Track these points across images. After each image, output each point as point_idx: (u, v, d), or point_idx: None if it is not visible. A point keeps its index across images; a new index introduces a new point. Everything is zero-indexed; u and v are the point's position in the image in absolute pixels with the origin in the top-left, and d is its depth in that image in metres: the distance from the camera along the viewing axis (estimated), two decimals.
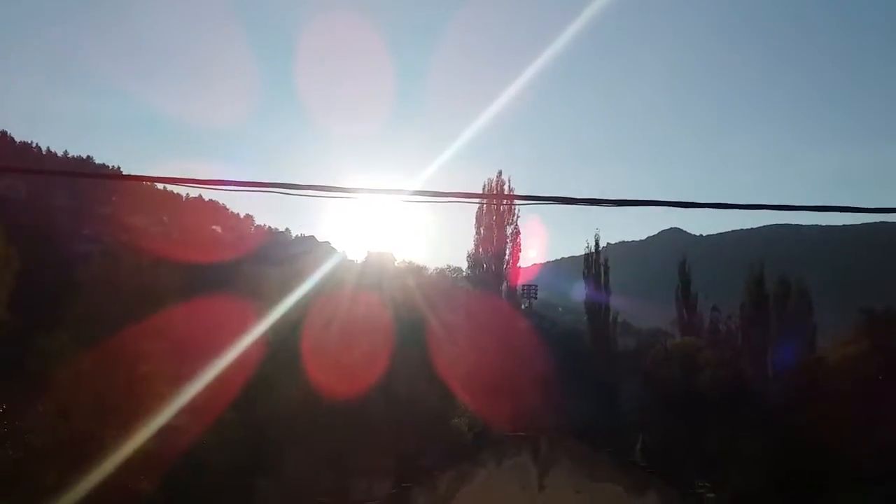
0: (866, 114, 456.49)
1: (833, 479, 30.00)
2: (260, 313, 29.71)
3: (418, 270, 63.74)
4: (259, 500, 22.17)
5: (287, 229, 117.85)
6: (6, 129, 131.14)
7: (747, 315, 63.72)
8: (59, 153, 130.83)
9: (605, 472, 17.69)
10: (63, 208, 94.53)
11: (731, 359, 53.11)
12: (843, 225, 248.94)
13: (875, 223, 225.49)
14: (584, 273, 60.53)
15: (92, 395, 22.07)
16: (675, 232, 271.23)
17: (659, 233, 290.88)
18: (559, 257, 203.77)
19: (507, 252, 56.85)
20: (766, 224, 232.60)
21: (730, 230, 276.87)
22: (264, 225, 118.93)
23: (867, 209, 7.66)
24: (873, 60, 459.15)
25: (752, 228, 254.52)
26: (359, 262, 57.98)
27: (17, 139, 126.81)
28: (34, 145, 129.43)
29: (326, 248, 70.38)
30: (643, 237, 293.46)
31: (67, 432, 21.15)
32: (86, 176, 75.07)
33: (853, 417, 37.07)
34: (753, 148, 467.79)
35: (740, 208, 7.89)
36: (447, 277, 69.21)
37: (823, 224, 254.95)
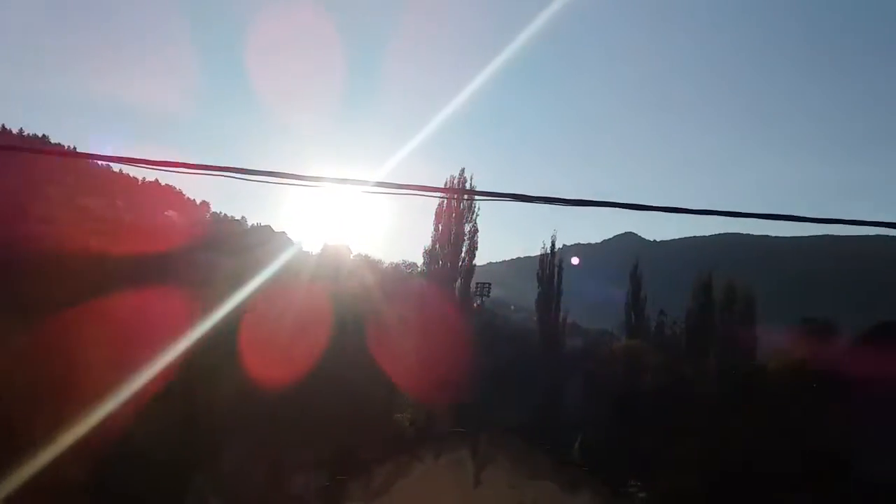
0: (822, 126, 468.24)
1: (763, 482, 31.01)
2: (209, 303, 29.49)
3: (374, 264, 63.88)
4: (194, 492, 22.12)
5: (243, 217, 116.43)
6: None
7: (693, 320, 65.16)
8: (14, 130, 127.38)
9: (541, 469, 18.10)
10: (13, 187, 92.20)
11: (674, 362, 54.23)
12: (794, 237, 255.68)
13: (824, 235, 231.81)
14: (538, 273, 61.23)
15: (26, 379, 21.78)
16: (631, 236, 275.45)
17: (614, 236, 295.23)
18: (516, 256, 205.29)
19: (464, 249, 57.22)
20: (719, 232, 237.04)
21: (684, 237, 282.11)
22: (220, 212, 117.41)
23: (815, 219, 7.90)
24: (836, 76, 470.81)
25: (705, 236, 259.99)
26: (314, 253, 57.85)
27: None
28: None
29: (283, 239, 69.89)
30: (599, 240, 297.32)
31: None
32: (35, 152, 73.17)
33: (786, 423, 38.36)
34: (713, 155, 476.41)
35: (692, 213, 8.19)
36: (402, 272, 69.41)
37: (774, 235, 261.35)
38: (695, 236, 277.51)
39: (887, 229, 8.20)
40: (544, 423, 41.90)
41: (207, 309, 28.19)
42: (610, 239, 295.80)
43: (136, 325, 26.28)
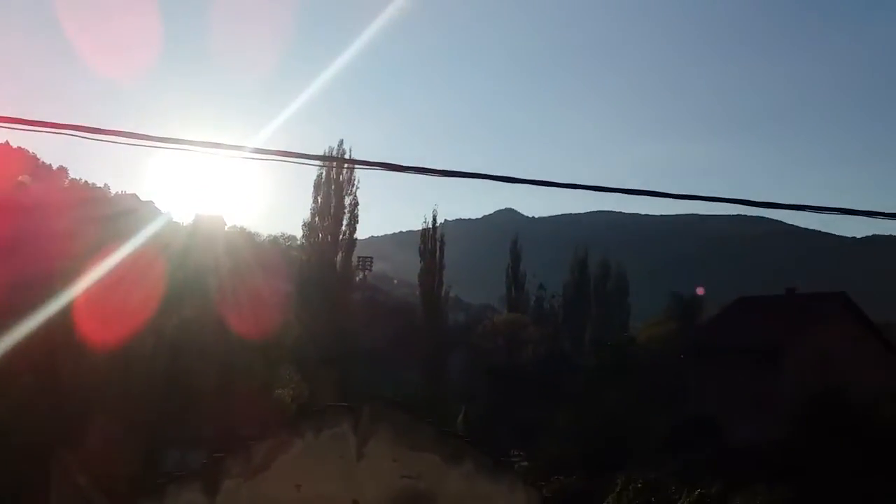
0: (686, 108, 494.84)
1: (636, 449, 32.26)
2: (70, 274, 27.53)
3: (250, 237, 61.87)
4: (60, 470, 20.66)
5: (106, 185, 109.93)
6: None
7: (570, 294, 67.36)
8: None
9: (423, 441, 17.85)
10: None
11: (553, 335, 55.93)
12: (662, 215, 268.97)
13: (690, 214, 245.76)
14: (420, 248, 61.31)
15: None
16: (510, 212, 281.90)
17: (494, 212, 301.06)
18: (398, 230, 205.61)
19: (345, 222, 56.27)
20: (593, 210, 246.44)
21: (560, 213, 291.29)
22: (80, 179, 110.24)
23: (678, 195, 8.11)
24: (700, 64, 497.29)
25: (580, 213, 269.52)
26: (185, 224, 55.24)
27: None
28: None
29: (150, 209, 66.44)
30: (479, 215, 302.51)
31: None
32: None
33: (657, 392, 40.23)
34: (587, 135, 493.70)
35: (562, 187, 8.19)
36: (281, 245, 67.75)
37: (644, 213, 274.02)
38: (570, 213, 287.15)
39: (746, 207, 8.60)
40: (428, 396, 42.07)
41: (71, 281, 26.24)
42: (490, 214, 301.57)
43: None
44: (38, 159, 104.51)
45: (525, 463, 26.52)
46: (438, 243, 61.03)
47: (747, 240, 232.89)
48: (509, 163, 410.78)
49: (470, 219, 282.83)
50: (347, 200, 56.16)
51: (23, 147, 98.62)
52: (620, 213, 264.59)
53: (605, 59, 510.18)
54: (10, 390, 23.85)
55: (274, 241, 68.47)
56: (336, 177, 55.80)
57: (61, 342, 24.71)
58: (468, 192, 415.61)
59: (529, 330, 52.26)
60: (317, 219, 55.90)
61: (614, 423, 34.02)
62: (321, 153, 56.44)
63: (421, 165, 7.43)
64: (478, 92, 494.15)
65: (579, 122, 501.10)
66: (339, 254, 55.68)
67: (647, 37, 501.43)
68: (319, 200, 55.87)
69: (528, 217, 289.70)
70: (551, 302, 70.49)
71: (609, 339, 54.48)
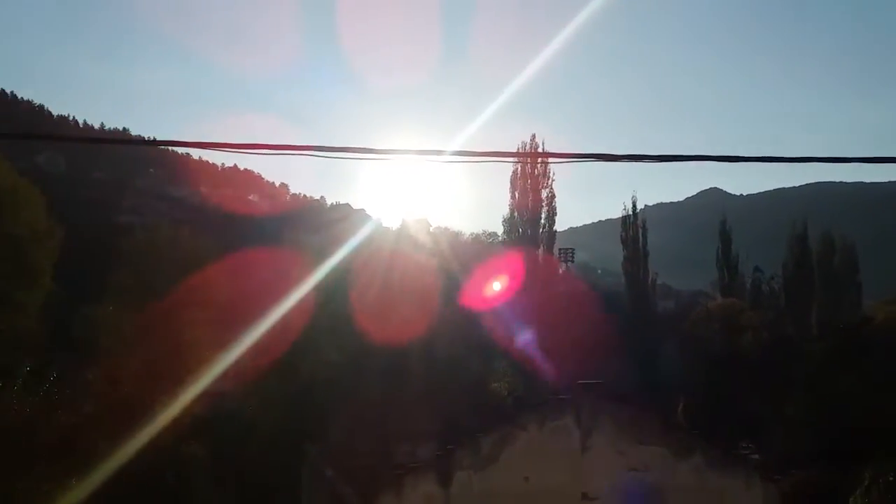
0: None
1: (878, 439, 29.43)
2: (299, 280, 29.93)
3: (454, 236, 63.82)
4: (308, 464, 22.59)
5: (322, 197, 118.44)
6: (44, 103, 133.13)
7: (790, 274, 62.40)
8: (96, 126, 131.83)
9: (648, 434, 17.59)
10: (102, 181, 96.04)
11: (774, 319, 52.32)
12: (888, 181, 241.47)
13: None
14: (621, 235, 59.87)
15: (139, 361, 22.52)
16: (715, 192, 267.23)
17: (697, 193, 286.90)
18: (599, 219, 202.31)
19: (543, 216, 56.23)
20: (808, 182, 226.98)
21: (771, 189, 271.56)
22: (300, 193, 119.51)
23: None
24: None
25: (794, 187, 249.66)
26: (394, 228, 58.07)
27: (55, 113, 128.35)
28: (71, 119, 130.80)
29: (362, 216, 70.54)
30: (681, 198, 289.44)
31: (117, 398, 21.62)
32: (119, 142, 75.94)
33: None
34: (797, 103, 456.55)
35: (782, 161, 7.70)
36: (483, 242, 69.13)
37: (868, 181, 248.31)
38: (783, 188, 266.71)
39: None
40: (643, 387, 41.07)
41: (301, 286, 28.54)
42: (693, 196, 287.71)
43: (236, 305, 26.88)
44: (262, 178, 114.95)
45: (755, 456, 25.06)
46: (640, 230, 59.37)
47: None
48: (711, 141, 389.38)
49: (672, 202, 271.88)
50: (544, 194, 56.12)
51: (249, 169, 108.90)
52: (842, 182, 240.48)
53: (818, 21, 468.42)
54: (256, 389, 26.40)
55: (476, 238, 70.06)
56: (531, 171, 55.88)
57: (299, 344, 26.90)
58: (668, 175, 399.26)
59: (747, 315, 49.14)
60: (515, 214, 56.33)
61: (851, 411, 31.23)
62: (515, 149, 57.33)
63: (632, 153, 7.19)
64: (674, 70, 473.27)
65: (790, 91, 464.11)
66: (541, 247, 55.76)
67: None
68: (517, 196, 56.19)
69: (735, 195, 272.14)
70: (770, 284, 65.67)
71: (840, 321, 50.02)
